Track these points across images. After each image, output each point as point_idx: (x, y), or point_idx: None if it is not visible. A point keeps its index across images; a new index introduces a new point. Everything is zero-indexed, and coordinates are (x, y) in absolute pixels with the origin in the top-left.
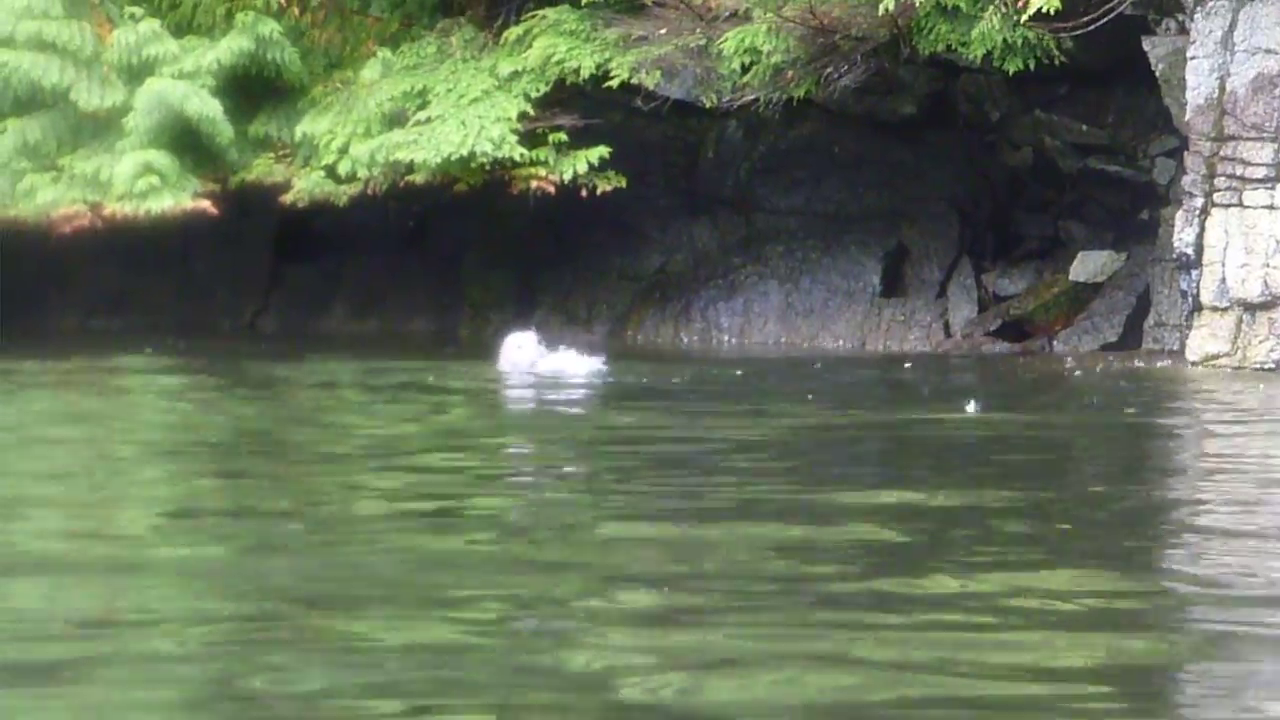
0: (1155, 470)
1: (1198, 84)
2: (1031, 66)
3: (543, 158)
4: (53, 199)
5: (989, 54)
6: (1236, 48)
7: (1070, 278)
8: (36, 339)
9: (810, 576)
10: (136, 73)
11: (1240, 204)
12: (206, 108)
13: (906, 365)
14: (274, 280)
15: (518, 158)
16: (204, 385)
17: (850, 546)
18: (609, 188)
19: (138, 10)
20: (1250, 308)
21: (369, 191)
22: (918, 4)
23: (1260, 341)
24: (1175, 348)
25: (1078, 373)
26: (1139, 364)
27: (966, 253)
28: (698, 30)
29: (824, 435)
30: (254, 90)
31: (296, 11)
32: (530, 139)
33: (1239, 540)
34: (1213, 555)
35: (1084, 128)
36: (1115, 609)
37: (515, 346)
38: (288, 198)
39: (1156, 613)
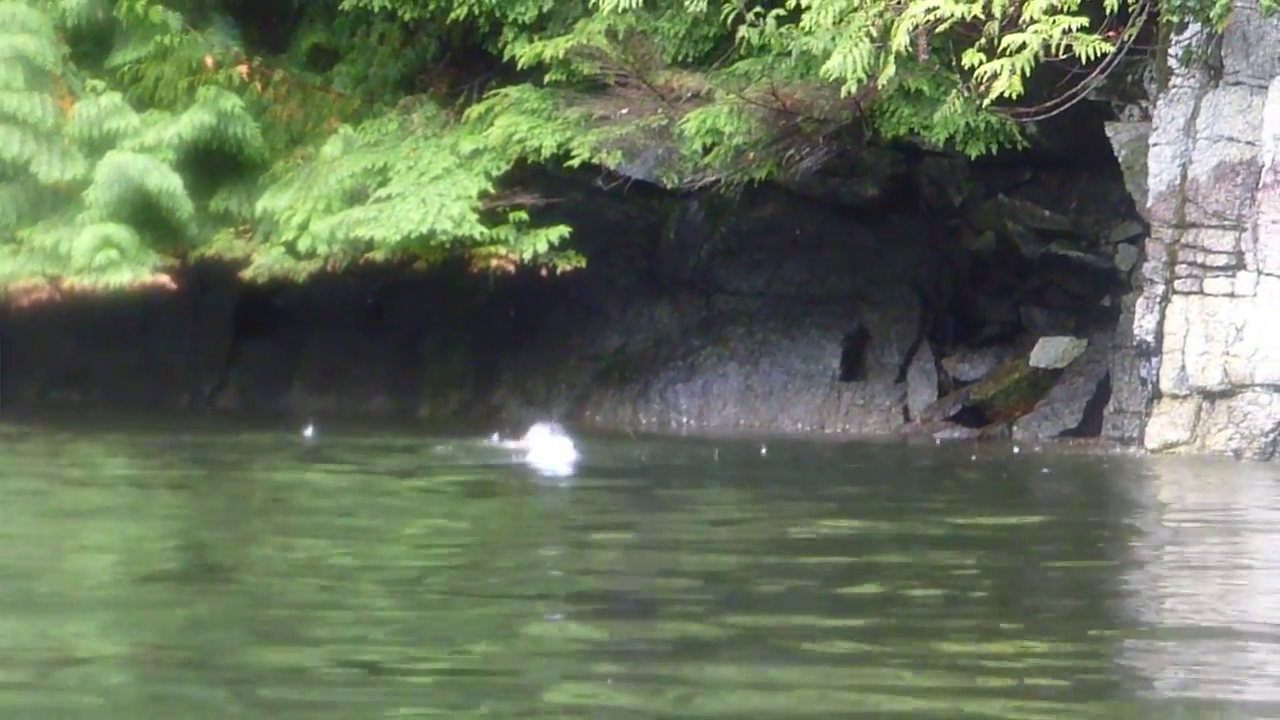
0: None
1: (1160, 171)
2: (994, 151)
3: (503, 236)
4: (11, 271)
5: (951, 138)
6: (1199, 135)
7: (1031, 363)
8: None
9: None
10: (97, 146)
11: (1201, 291)
12: (167, 182)
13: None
14: (233, 356)
15: (478, 236)
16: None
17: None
18: (569, 267)
19: (99, 83)
20: (1210, 396)
21: (329, 268)
22: (880, 87)
23: (1219, 430)
24: (1135, 435)
25: (1021, 457)
26: (1097, 452)
27: (927, 337)
28: (659, 111)
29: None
30: (215, 165)
31: (259, 87)
32: (490, 217)
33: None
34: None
35: (1046, 213)
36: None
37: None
38: (247, 274)
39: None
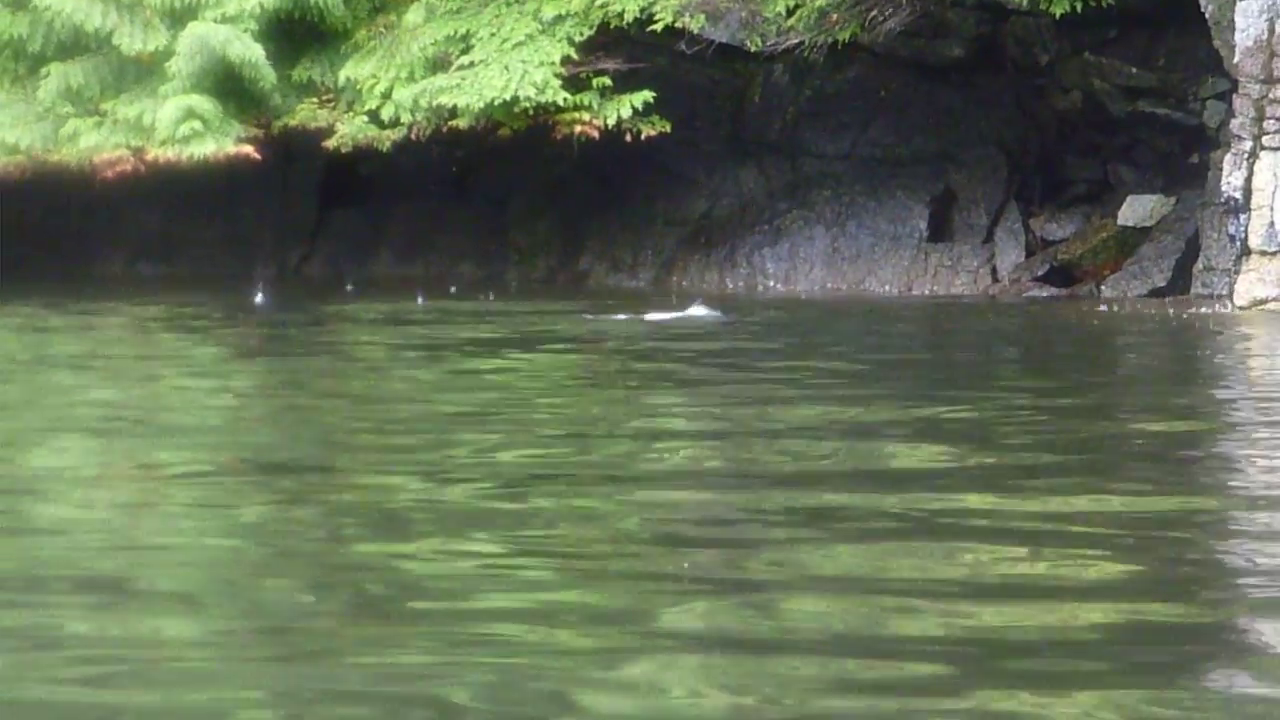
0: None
1: (1247, 25)
2: (1079, 9)
3: (586, 102)
4: (95, 144)
5: None
6: None
7: (1119, 222)
8: (85, 283)
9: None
10: (179, 16)
11: None
12: (249, 52)
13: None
14: (320, 226)
15: (561, 102)
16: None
17: None
18: (653, 132)
19: None
20: None
21: (412, 136)
22: None
23: None
24: (1224, 292)
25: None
26: (1185, 310)
27: (1014, 197)
28: None
29: None
30: (297, 34)
31: None
32: (574, 83)
33: None
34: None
35: (1134, 70)
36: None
37: None
38: (331, 143)
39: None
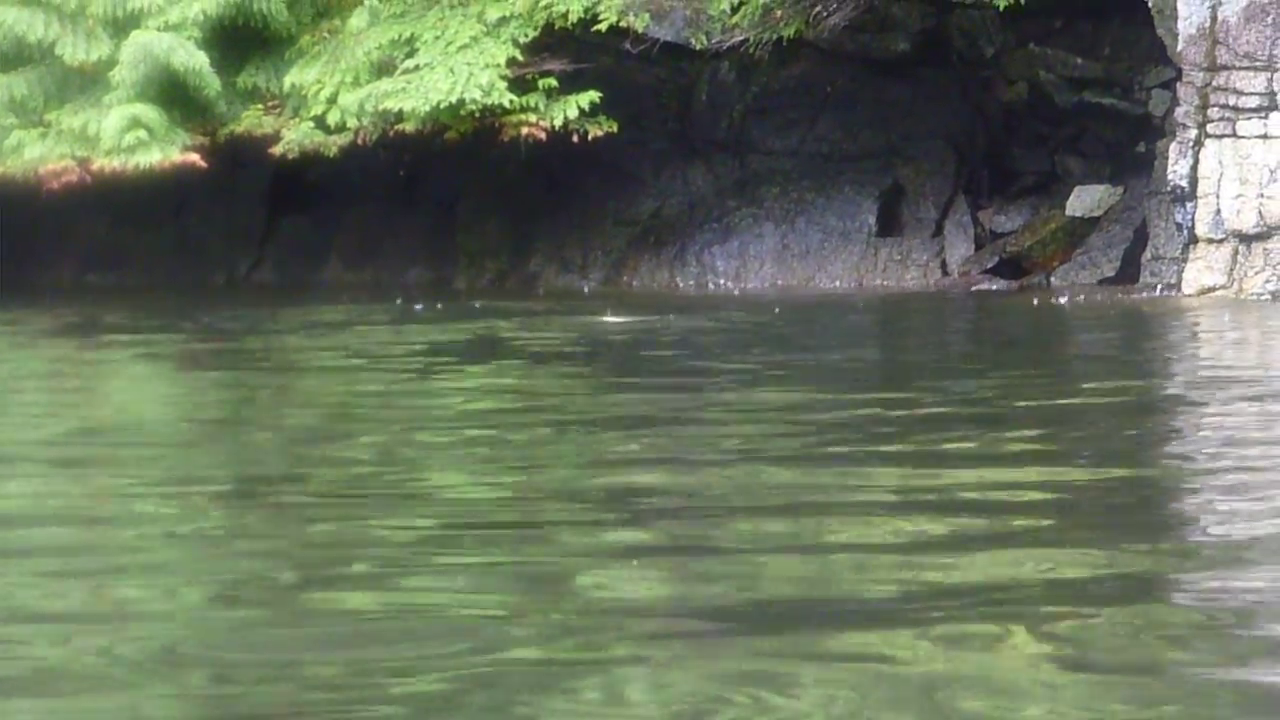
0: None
1: (1189, 14)
2: (1023, 1)
3: (533, 104)
4: (41, 154)
5: None
6: None
7: (1067, 213)
8: (38, 295)
9: None
10: (122, 26)
11: (1234, 134)
12: (193, 60)
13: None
14: (268, 233)
15: (507, 104)
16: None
17: None
18: (600, 133)
19: None
20: (1245, 239)
21: (359, 141)
22: None
23: (1256, 273)
24: (1173, 281)
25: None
26: (1134, 299)
27: (963, 190)
28: None
29: None
30: (241, 41)
31: None
32: (520, 85)
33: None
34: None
35: (1079, 61)
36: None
37: None
38: (278, 149)
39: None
